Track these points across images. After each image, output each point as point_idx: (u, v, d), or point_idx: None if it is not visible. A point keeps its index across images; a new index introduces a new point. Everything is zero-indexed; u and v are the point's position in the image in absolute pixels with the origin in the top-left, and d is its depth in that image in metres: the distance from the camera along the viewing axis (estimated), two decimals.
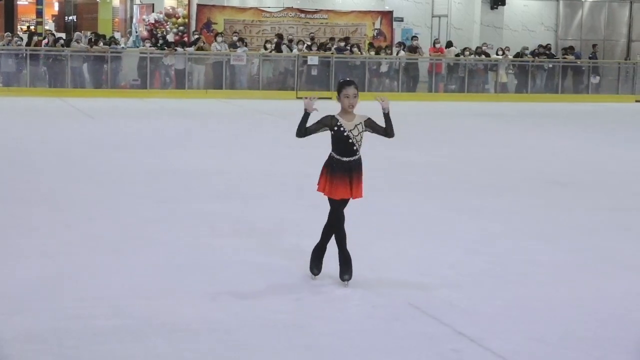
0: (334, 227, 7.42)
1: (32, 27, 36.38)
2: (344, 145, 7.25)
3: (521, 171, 14.44)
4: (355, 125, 7.26)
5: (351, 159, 7.27)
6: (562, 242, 9.50)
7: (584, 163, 16.06)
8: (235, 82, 27.95)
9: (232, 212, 10.47)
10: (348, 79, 7.55)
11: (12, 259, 8.16)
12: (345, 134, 7.21)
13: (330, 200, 7.38)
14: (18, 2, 40.16)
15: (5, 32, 30.59)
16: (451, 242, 9.21)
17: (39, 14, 39.61)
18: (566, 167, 15.18)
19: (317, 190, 7.42)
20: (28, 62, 26.18)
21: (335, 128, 7.23)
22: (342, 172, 7.26)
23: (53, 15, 41.25)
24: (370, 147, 8.33)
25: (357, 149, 7.28)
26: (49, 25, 38.26)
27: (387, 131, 7.37)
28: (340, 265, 7.46)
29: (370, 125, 7.34)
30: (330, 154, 7.34)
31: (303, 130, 7.26)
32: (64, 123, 20.16)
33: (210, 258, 8.35)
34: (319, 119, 7.27)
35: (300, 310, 6.99)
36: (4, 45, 26.79)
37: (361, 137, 7.30)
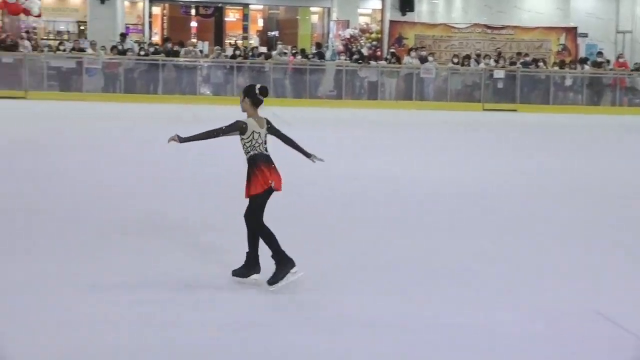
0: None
1: (238, 42, 37.33)
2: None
3: None
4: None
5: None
6: None
7: None
8: (424, 93, 27.87)
9: None
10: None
11: None
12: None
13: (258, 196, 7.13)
14: (226, 19, 41.32)
15: (215, 46, 31.56)
16: None
17: (245, 29, 40.64)
18: None
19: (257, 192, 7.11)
20: (235, 73, 26.90)
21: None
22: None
23: (257, 31, 42.17)
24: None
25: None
26: (254, 39, 39.15)
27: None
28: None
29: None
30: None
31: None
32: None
33: None
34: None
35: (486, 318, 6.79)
36: (213, 58, 27.65)
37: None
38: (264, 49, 30.96)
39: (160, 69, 26.55)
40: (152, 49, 28.10)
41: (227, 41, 38.10)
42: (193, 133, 7.34)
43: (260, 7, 41.62)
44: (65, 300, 6.70)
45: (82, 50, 27.25)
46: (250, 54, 28.68)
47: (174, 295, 6.89)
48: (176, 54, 27.52)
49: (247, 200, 7.18)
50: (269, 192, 7.18)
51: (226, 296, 6.96)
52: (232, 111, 24.24)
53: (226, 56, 28.13)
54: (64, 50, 27.32)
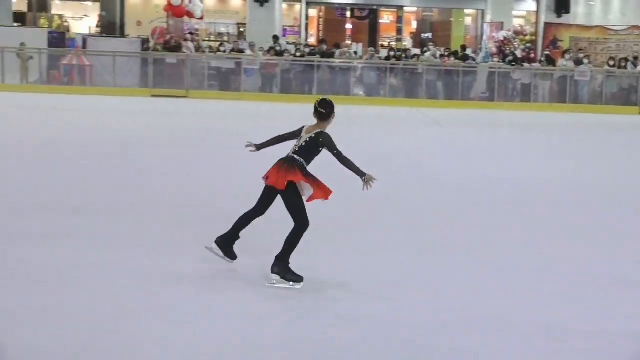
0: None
1: (392, 44, 37.50)
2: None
3: None
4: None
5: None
6: None
7: None
8: (579, 96, 27.34)
9: None
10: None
11: None
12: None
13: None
14: (380, 21, 41.55)
15: (369, 47, 31.87)
16: None
17: (399, 31, 40.78)
18: None
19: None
20: (387, 74, 27.11)
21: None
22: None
23: (411, 33, 42.24)
24: None
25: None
26: (407, 41, 39.25)
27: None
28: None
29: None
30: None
31: None
32: (416, 130, 20.65)
33: None
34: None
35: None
36: (367, 59, 27.94)
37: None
38: (417, 51, 31.06)
39: (315, 69, 27.02)
40: (307, 50, 28.66)
41: (380, 43, 38.36)
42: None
43: (415, 9, 41.67)
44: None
45: (241, 51, 27.98)
46: (403, 55, 28.82)
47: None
48: (331, 55, 27.95)
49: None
50: (266, 186, 7.29)
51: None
52: (384, 111, 24.54)
53: (380, 58, 28.41)
54: (224, 52, 28.08)
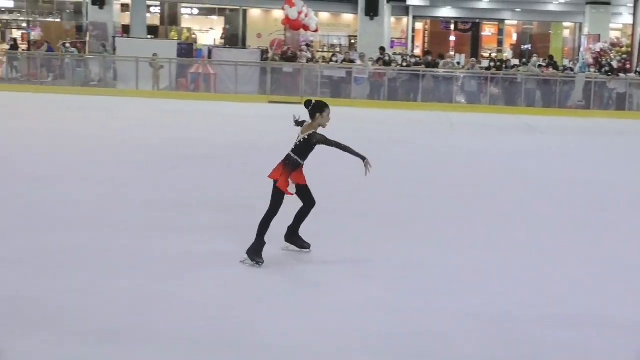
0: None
1: (493, 55, 37.02)
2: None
3: None
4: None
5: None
6: None
7: None
8: None
9: None
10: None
11: None
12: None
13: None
14: (482, 33, 41.08)
15: (471, 58, 31.54)
16: None
17: (500, 43, 40.23)
18: None
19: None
20: (488, 83, 26.75)
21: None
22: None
23: (511, 44, 41.63)
24: None
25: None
26: (507, 52, 38.69)
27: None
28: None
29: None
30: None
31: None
32: (515, 136, 20.30)
33: None
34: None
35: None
36: (469, 69, 27.64)
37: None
38: (516, 62, 30.59)
39: (420, 78, 26.84)
40: (413, 61, 28.57)
41: (482, 54, 37.92)
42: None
43: (515, 22, 41.07)
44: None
45: (351, 61, 28.04)
46: (503, 66, 28.46)
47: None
48: (435, 65, 27.76)
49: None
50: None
51: None
52: (485, 118, 24.20)
53: (481, 68, 28.06)
54: (336, 62, 28.19)
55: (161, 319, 5.95)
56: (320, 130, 7.70)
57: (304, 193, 7.71)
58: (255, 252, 7.41)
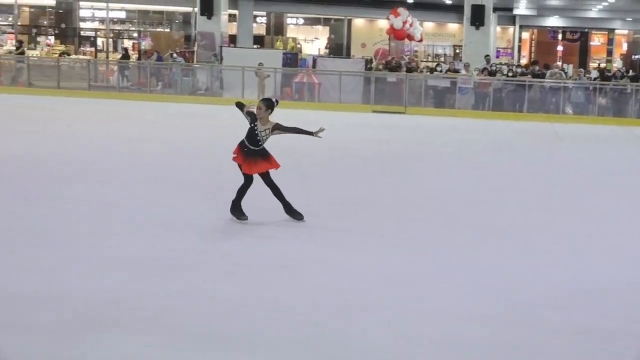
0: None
1: (601, 65, 36.31)
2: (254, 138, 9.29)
3: None
4: (265, 128, 9.26)
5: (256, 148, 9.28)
6: None
7: None
8: None
9: None
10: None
11: None
12: (256, 132, 9.27)
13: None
14: (591, 43, 40.32)
15: (579, 68, 30.97)
16: None
17: (609, 53, 39.40)
18: None
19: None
20: (597, 94, 26.25)
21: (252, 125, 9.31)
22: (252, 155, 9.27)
23: (621, 54, 40.73)
24: None
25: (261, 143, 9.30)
26: (617, 62, 37.86)
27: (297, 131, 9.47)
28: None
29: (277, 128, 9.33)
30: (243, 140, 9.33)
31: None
32: (624, 148, 19.90)
33: None
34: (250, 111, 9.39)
35: None
36: (576, 79, 27.19)
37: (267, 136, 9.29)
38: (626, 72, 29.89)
39: (527, 89, 26.54)
40: (519, 71, 28.26)
41: (590, 64, 37.21)
42: None
43: (626, 31, 40.12)
44: None
45: (456, 71, 27.89)
46: (613, 76, 27.86)
47: None
48: (542, 75, 27.39)
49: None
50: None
51: None
52: (594, 129, 23.76)
53: (589, 78, 27.54)
54: (440, 71, 28.09)
55: (264, 324, 6.02)
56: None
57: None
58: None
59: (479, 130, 22.14)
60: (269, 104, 9.31)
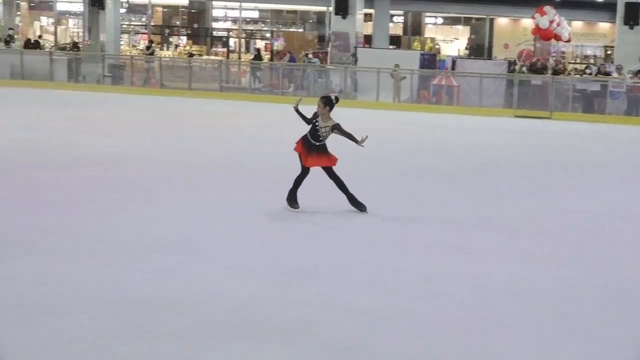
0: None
1: None
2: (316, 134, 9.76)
3: None
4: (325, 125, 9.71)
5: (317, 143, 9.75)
6: None
7: None
8: None
9: None
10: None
11: None
12: (317, 127, 9.74)
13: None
14: None
15: None
16: None
17: None
18: None
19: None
20: None
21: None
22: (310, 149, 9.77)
23: None
24: None
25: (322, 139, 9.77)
26: None
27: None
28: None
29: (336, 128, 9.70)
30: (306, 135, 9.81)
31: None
32: None
33: None
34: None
35: None
36: None
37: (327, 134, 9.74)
38: None
39: None
40: None
41: None
42: None
43: None
44: None
45: (607, 73, 26.39)
46: None
47: None
48: None
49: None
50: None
51: None
52: None
53: None
54: (590, 74, 26.73)
55: (393, 339, 5.75)
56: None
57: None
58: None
59: (631, 139, 20.62)
60: (327, 102, 9.69)
